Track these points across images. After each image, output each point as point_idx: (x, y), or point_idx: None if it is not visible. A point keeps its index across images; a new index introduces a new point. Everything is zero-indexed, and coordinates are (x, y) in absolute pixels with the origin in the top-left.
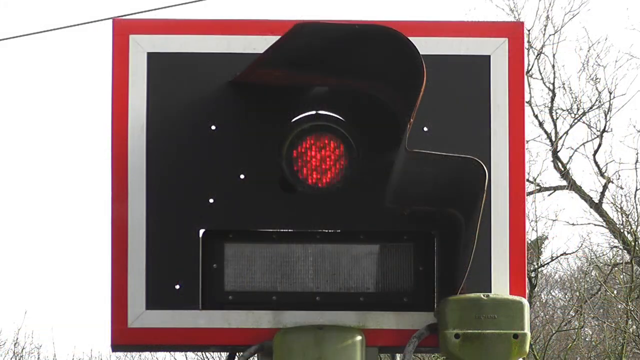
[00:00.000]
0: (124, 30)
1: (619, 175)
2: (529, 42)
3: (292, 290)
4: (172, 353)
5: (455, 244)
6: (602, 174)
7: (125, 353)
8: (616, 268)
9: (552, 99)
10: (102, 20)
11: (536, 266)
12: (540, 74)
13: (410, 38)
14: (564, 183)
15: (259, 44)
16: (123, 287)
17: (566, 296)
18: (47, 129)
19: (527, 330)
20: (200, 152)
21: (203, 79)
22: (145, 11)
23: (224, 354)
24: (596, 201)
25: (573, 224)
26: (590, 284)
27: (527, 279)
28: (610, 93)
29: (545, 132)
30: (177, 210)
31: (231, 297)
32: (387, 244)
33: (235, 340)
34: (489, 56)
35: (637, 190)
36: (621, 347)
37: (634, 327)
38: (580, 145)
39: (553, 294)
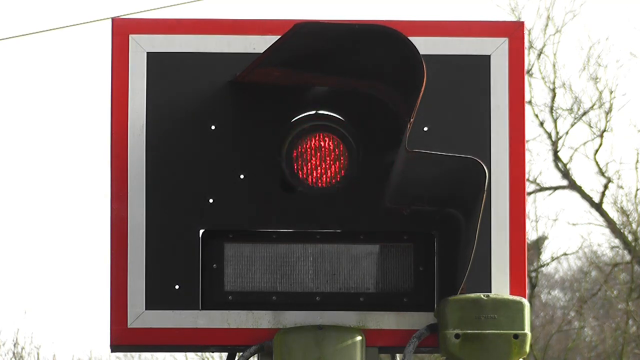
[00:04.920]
0: (123, 29)
1: (620, 175)
2: (529, 41)
3: (292, 291)
4: (172, 353)
5: (455, 244)
6: (602, 174)
7: (125, 353)
8: (616, 268)
9: (553, 99)
10: (101, 20)
11: (536, 266)
12: (541, 73)
13: (410, 38)
14: (565, 183)
15: (259, 44)
16: (123, 287)
17: (566, 296)
18: (47, 129)
19: (527, 330)
20: (200, 152)
21: (203, 79)
22: (144, 11)
23: (224, 354)
24: (596, 201)
25: (573, 224)
26: (590, 284)
27: (527, 278)
28: (611, 93)
29: (546, 131)
30: (177, 210)
31: (231, 297)
32: (387, 244)
33: (235, 340)
34: (489, 56)
35: (637, 190)
36: (621, 348)
37: (635, 327)
38: (581, 145)
39: (553, 294)
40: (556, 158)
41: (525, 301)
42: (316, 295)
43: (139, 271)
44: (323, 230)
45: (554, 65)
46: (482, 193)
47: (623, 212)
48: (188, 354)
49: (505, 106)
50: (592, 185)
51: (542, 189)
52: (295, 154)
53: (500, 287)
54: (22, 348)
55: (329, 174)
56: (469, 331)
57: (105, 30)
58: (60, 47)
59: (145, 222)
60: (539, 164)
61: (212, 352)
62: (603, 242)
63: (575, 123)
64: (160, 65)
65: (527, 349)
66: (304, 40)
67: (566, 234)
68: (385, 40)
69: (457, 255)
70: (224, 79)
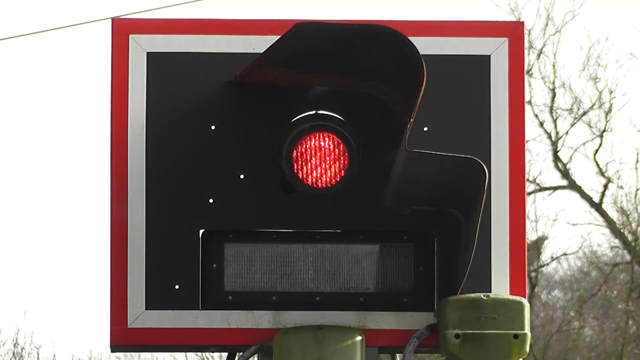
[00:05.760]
0: (123, 29)
1: (620, 175)
2: (529, 41)
3: (292, 291)
4: (172, 353)
5: (455, 244)
6: (602, 174)
7: (125, 353)
8: (616, 268)
9: (553, 99)
10: (101, 19)
11: (536, 266)
12: (541, 73)
13: (410, 38)
14: (564, 183)
15: (259, 44)
16: (123, 287)
17: (566, 296)
18: (47, 129)
19: (527, 330)
20: (200, 152)
21: (203, 79)
22: (145, 11)
23: (224, 354)
24: (596, 201)
25: (573, 224)
26: (590, 284)
27: (527, 278)
28: (611, 93)
29: (546, 132)
30: (177, 210)
31: (231, 297)
32: (387, 244)
33: (235, 340)
34: (489, 56)
35: (637, 190)
36: (621, 348)
37: (634, 327)
38: (581, 145)
39: (553, 294)
40: (556, 158)
41: (525, 301)
42: (316, 295)
43: (139, 271)
44: (323, 230)
45: (554, 65)
46: (482, 193)
47: (623, 212)
48: (188, 354)
49: (505, 106)
50: (592, 185)
51: (542, 189)
52: (295, 154)
53: (500, 287)
54: (22, 348)
55: (329, 174)
56: (469, 331)
57: (105, 30)
58: (60, 47)
59: (145, 222)
60: (538, 164)
61: (212, 352)
62: (603, 242)
63: (575, 123)
64: (160, 65)
65: (527, 349)
66: (303, 40)
67: (566, 234)
68: (385, 40)
69: (457, 255)
70: (224, 79)
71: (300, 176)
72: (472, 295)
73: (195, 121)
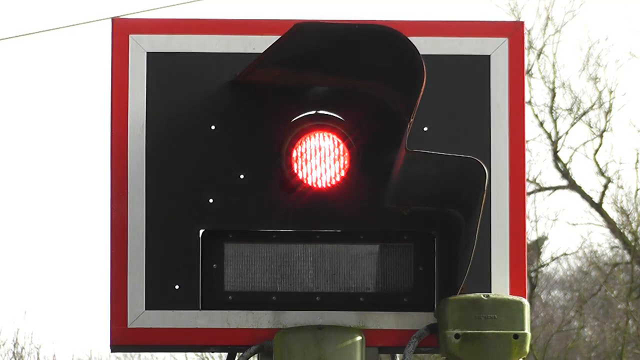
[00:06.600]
0: (123, 29)
1: (620, 175)
2: (529, 41)
3: (292, 291)
4: (172, 353)
5: (455, 244)
6: (602, 174)
7: (125, 353)
8: (616, 268)
9: (553, 99)
10: (101, 19)
11: (536, 266)
12: (541, 73)
13: (410, 38)
14: (564, 183)
15: (259, 44)
16: (122, 287)
17: (566, 296)
18: (47, 129)
19: (527, 330)
20: (200, 152)
21: (203, 79)
22: (145, 11)
23: (224, 354)
24: (596, 201)
25: (573, 224)
26: (590, 284)
27: (527, 278)
28: (611, 93)
29: (546, 132)
30: (177, 210)
31: (231, 297)
32: (387, 244)
33: (235, 340)
34: (489, 56)
35: (637, 190)
36: (621, 348)
37: (634, 327)
38: (581, 145)
39: (553, 294)
40: (556, 158)
41: (525, 301)
42: (316, 295)
43: (139, 271)
44: (323, 230)
45: (554, 65)
46: (482, 193)
47: (623, 212)
48: (188, 354)
49: (505, 106)
50: (592, 185)
51: (542, 189)
52: (295, 154)
53: (500, 287)
54: (22, 348)
55: (329, 174)
56: (469, 331)
57: (105, 30)
58: (60, 47)
59: (145, 222)
60: (538, 164)
61: (212, 352)
62: (603, 242)
63: (575, 123)
64: (160, 65)
65: (527, 349)
66: (304, 40)
67: (566, 234)
68: (385, 40)
69: (457, 255)
70: (224, 79)
71: (300, 176)
72: (472, 295)
73: (195, 121)
